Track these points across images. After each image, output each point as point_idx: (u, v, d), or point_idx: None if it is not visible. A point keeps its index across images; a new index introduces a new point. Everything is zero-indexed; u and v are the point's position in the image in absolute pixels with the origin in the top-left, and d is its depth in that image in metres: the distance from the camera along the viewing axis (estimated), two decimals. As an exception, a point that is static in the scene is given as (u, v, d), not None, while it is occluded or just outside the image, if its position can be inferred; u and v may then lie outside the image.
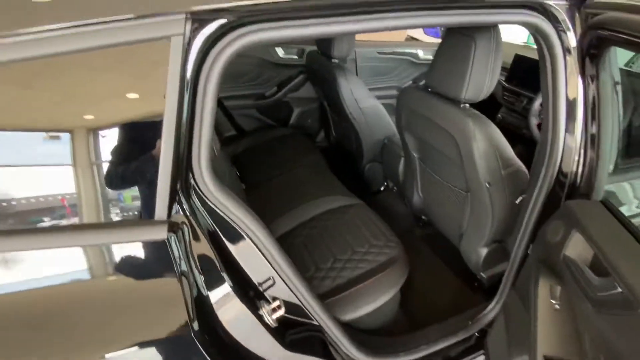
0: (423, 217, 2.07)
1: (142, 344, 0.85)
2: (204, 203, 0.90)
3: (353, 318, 1.39)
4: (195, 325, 0.86)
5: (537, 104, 2.07)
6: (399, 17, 0.95)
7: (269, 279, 0.99)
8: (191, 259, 0.87)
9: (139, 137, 0.82)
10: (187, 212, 0.87)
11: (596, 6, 1.04)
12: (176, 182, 0.84)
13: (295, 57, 2.72)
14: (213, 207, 0.90)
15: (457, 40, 1.35)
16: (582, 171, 1.16)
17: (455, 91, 1.36)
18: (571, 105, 1.14)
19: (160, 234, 0.82)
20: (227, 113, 2.71)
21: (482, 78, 1.32)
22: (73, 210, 0.80)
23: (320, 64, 2.30)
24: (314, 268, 1.52)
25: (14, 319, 0.80)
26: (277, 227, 1.77)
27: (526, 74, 2.30)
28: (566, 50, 1.10)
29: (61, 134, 0.77)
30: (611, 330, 0.83)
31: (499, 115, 2.50)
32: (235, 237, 0.94)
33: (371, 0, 0.92)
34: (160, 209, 0.82)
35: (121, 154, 0.81)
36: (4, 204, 0.76)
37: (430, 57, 2.97)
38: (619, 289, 0.80)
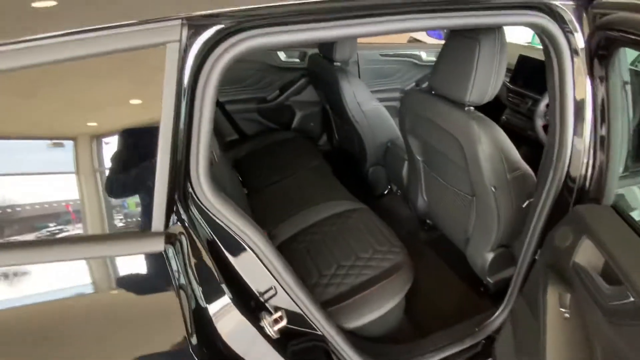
0: (428, 220, 2.04)
1: (137, 362, 0.83)
2: (202, 213, 0.88)
3: (357, 326, 1.36)
4: (194, 340, 0.83)
5: (542, 105, 2.04)
6: (402, 20, 0.93)
7: (271, 288, 0.97)
8: (189, 271, 0.85)
9: (134, 146, 0.79)
10: (186, 223, 0.85)
11: (604, 6, 1.01)
12: (174, 191, 0.82)
13: (297, 60, 2.71)
14: (212, 216, 0.88)
15: (461, 42, 1.33)
16: (592, 174, 1.14)
17: (459, 94, 1.34)
18: (579, 107, 1.11)
19: (157, 246, 0.80)
20: (229, 117, 2.70)
21: (487, 80, 1.29)
22: (64, 222, 0.78)
23: (322, 67, 2.28)
24: (317, 274, 1.50)
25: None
26: (279, 232, 1.75)
27: (531, 75, 2.28)
28: (573, 51, 1.07)
29: (53, 142, 0.75)
30: (623, 340, 0.81)
31: (503, 117, 2.47)
32: (235, 247, 0.92)
33: (373, 3, 0.90)
34: (157, 220, 0.80)
35: (117, 163, 0.79)
36: None
37: (434, 59, 2.94)
38: (632, 298, 0.77)
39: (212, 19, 0.77)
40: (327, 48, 2.21)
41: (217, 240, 0.91)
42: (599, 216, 0.93)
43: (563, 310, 0.89)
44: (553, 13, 1.04)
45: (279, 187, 2.12)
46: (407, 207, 2.19)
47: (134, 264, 0.83)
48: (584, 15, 1.05)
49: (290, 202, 1.93)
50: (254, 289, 0.96)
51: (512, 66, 2.35)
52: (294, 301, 1.01)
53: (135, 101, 0.78)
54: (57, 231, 0.78)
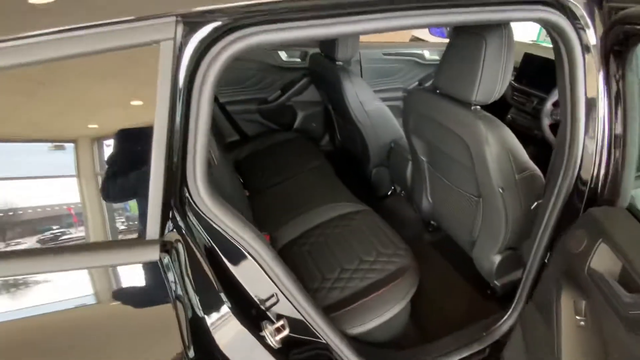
0: (432, 222, 2.01)
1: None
2: (200, 218, 0.84)
3: (362, 332, 1.33)
4: (191, 353, 0.80)
5: (549, 104, 2.01)
6: (406, 16, 0.89)
7: (272, 296, 0.93)
8: (186, 280, 0.81)
9: (126, 149, 0.76)
10: (183, 230, 0.82)
11: (621, 0, 0.97)
12: (169, 197, 0.79)
13: (299, 60, 2.68)
14: (210, 222, 0.85)
15: (466, 40, 1.29)
16: (606, 175, 1.09)
17: (465, 93, 1.30)
18: (591, 105, 1.07)
19: (152, 254, 0.76)
20: (230, 118, 2.68)
21: (494, 79, 1.26)
22: (51, 231, 0.74)
23: (323, 66, 2.26)
24: (320, 278, 1.47)
25: None
26: (281, 235, 1.73)
27: (536, 74, 2.25)
28: (585, 48, 1.03)
29: (39, 144, 0.71)
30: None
31: (509, 116, 2.45)
32: (235, 254, 0.88)
33: None
34: (152, 227, 0.76)
35: (108, 167, 0.75)
36: None
37: (437, 58, 2.93)
38: None
39: (208, 15, 0.73)
40: (328, 47, 2.18)
41: (216, 247, 0.87)
42: (614, 219, 0.89)
43: (578, 318, 0.85)
44: (564, 8, 1.00)
45: (280, 189, 2.10)
46: (411, 208, 2.17)
47: (127, 274, 0.80)
48: (596, 10, 1.02)
49: (292, 204, 1.91)
50: (254, 297, 0.92)
51: (516, 64, 2.32)
52: (296, 309, 0.98)
53: (127, 102, 0.74)
54: (43, 240, 0.74)
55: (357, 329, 1.33)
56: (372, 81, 2.80)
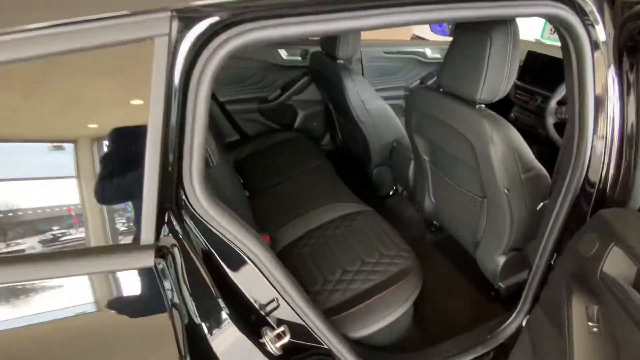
0: (435, 222, 1.98)
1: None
2: (197, 222, 0.81)
3: (364, 335, 1.30)
4: None
5: (553, 103, 1.98)
6: (409, 11, 0.86)
7: (273, 300, 0.90)
8: (183, 286, 0.78)
9: (119, 150, 0.73)
10: (179, 234, 0.78)
11: None
12: (165, 199, 0.75)
13: (299, 58, 2.66)
14: (207, 226, 0.81)
15: (471, 37, 1.27)
16: (616, 176, 1.06)
17: (470, 91, 1.28)
18: (600, 104, 1.04)
19: (146, 260, 0.73)
20: (230, 117, 2.65)
21: (499, 77, 1.23)
22: (38, 236, 0.71)
23: (324, 65, 2.23)
24: (321, 280, 1.45)
25: None
26: (282, 236, 1.71)
27: (540, 72, 2.23)
28: (594, 44, 1.00)
29: (27, 144, 0.68)
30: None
31: (512, 115, 2.43)
32: (233, 258, 0.85)
33: None
34: (147, 232, 0.73)
35: (101, 168, 0.72)
36: None
37: (438, 56, 2.90)
38: None
39: (204, 11, 0.70)
40: (329, 45, 2.16)
41: (214, 252, 0.84)
42: (626, 221, 0.86)
43: (591, 324, 0.82)
44: (572, 3, 0.97)
45: (281, 189, 2.08)
46: (413, 208, 2.15)
47: (120, 280, 0.76)
48: (606, 5, 0.98)
49: (293, 205, 1.89)
50: (254, 302, 0.89)
51: (520, 62, 2.28)
52: (297, 314, 0.95)
53: (120, 100, 0.71)
54: (28, 247, 0.71)
55: (360, 333, 1.30)
56: (374, 80, 2.78)
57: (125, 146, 0.72)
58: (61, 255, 0.72)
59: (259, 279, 0.88)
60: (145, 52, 0.67)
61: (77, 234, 0.73)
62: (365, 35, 2.39)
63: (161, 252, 0.76)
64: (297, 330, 0.95)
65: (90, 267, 0.73)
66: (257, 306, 0.89)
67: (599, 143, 1.07)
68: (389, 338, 1.45)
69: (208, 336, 0.81)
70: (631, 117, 1.02)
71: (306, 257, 1.57)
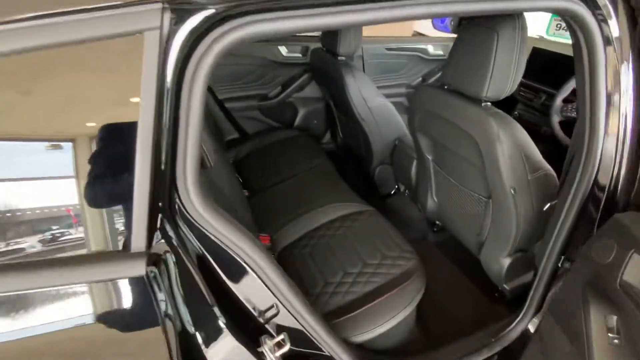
0: (437, 222, 1.95)
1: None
2: (191, 227, 0.77)
3: (366, 339, 1.27)
4: None
5: (559, 101, 1.94)
6: (413, 4, 0.82)
7: (272, 307, 0.87)
8: (177, 295, 0.75)
9: (108, 151, 0.69)
10: (173, 240, 0.75)
11: None
12: (157, 203, 0.72)
13: (299, 55, 2.62)
14: (202, 230, 0.77)
15: (476, 33, 1.23)
16: (631, 177, 1.02)
17: (475, 89, 1.24)
18: (611, 101, 1.00)
19: (137, 269, 0.69)
20: (229, 115, 2.62)
21: (506, 73, 1.19)
22: (19, 241, 0.67)
23: (325, 61, 2.19)
24: (322, 283, 1.41)
25: None
26: (282, 236, 1.68)
27: (544, 69, 2.18)
28: (606, 40, 0.96)
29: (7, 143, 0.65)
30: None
31: (516, 112, 2.39)
32: (230, 264, 0.81)
33: None
34: (138, 238, 0.69)
35: (92, 169, 0.68)
36: None
37: (441, 53, 2.87)
38: None
39: (198, 3, 0.67)
40: (330, 42, 2.12)
41: (209, 258, 0.80)
42: (646, 226, 0.82)
43: (611, 335, 0.78)
44: None
45: (281, 189, 2.04)
46: (415, 208, 2.12)
47: (109, 291, 0.72)
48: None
49: (293, 204, 1.85)
50: (252, 310, 0.86)
51: (524, 59, 2.25)
52: (297, 320, 0.91)
53: (107, 98, 0.67)
54: (9, 253, 0.67)
55: (361, 337, 1.27)
56: (375, 77, 2.74)
57: (114, 146, 0.68)
58: (43, 264, 0.68)
59: (258, 285, 0.84)
60: (134, 46, 0.63)
61: (61, 241, 0.69)
62: (366, 32, 2.36)
63: (153, 260, 0.72)
64: (297, 337, 0.92)
65: (76, 277, 0.69)
66: (255, 313, 0.86)
67: (610, 142, 1.04)
68: (391, 341, 1.41)
69: (203, 346, 0.77)
70: None
71: (307, 258, 1.54)
